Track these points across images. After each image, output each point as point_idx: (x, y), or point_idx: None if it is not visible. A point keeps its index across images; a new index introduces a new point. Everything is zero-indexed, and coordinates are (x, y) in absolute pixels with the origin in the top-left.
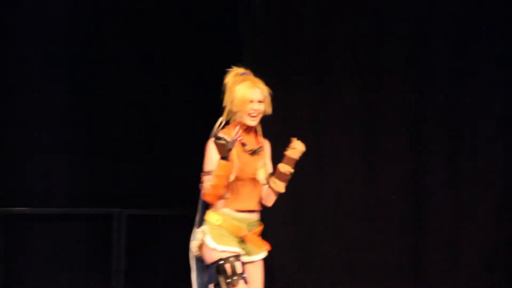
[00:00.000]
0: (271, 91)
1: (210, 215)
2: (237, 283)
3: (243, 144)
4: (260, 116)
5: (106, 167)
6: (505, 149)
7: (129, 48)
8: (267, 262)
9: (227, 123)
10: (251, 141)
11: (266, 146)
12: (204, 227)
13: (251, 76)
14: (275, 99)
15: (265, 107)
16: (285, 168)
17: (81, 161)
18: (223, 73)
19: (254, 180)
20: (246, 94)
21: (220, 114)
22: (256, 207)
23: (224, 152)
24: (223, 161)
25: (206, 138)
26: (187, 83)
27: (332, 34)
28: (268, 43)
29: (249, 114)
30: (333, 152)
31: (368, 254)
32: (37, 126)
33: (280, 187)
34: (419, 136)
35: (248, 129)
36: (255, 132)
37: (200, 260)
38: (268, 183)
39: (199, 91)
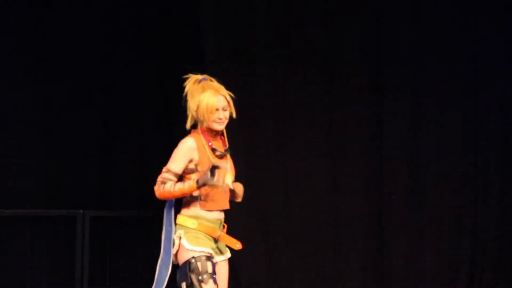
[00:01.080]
0: (233, 95)
1: (184, 220)
2: (208, 281)
3: (213, 150)
4: (226, 121)
5: (68, 168)
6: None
7: (89, 45)
8: (232, 263)
9: (194, 126)
10: (219, 145)
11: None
12: (179, 231)
13: (211, 83)
14: (239, 102)
15: (230, 112)
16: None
17: (44, 162)
18: (184, 72)
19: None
20: (212, 103)
21: (181, 119)
22: (227, 206)
23: (207, 181)
24: (195, 187)
25: (170, 139)
26: (149, 82)
27: (295, 34)
28: (230, 44)
29: (216, 122)
30: (298, 155)
31: (334, 259)
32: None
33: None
34: (381, 138)
35: (215, 133)
36: (221, 135)
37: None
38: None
39: (162, 91)
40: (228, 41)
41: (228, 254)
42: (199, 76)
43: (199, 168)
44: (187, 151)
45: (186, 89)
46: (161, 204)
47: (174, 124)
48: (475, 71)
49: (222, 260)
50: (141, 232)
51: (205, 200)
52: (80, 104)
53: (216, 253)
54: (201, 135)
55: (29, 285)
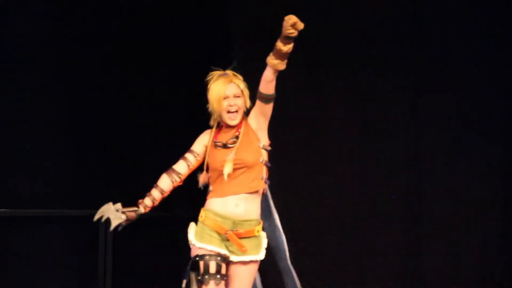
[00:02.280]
0: (247, 85)
1: (201, 212)
2: (208, 283)
3: (215, 143)
4: (241, 112)
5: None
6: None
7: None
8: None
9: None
10: (228, 136)
11: (250, 118)
12: (192, 223)
13: (231, 77)
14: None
15: (243, 102)
16: (281, 46)
17: (65, 162)
18: (201, 70)
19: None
20: (220, 90)
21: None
22: (239, 191)
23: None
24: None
25: (184, 139)
26: (175, 87)
27: (323, 32)
28: (256, 35)
29: (226, 111)
30: (328, 151)
31: (364, 256)
32: (15, 127)
33: (275, 63)
34: (414, 132)
35: (230, 126)
36: (238, 127)
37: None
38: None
39: (188, 95)
40: (255, 41)
41: (252, 256)
42: (221, 72)
43: (207, 160)
44: (200, 138)
45: (208, 87)
46: (184, 204)
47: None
48: None
49: (241, 261)
50: (164, 232)
51: (212, 190)
52: (97, 102)
53: (231, 252)
54: (214, 129)
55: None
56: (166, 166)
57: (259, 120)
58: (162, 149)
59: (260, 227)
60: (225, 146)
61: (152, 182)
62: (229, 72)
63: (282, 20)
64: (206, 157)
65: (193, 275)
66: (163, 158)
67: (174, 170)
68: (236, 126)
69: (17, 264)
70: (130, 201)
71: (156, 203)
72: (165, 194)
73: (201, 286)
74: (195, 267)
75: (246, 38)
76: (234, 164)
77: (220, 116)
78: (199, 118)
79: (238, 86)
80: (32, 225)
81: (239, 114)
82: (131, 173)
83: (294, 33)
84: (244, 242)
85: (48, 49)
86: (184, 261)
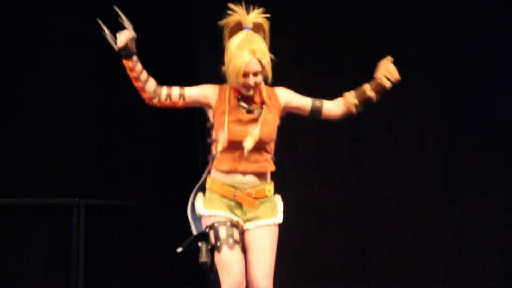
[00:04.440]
0: (273, 57)
1: (207, 180)
2: (220, 249)
3: (239, 101)
4: (258, 86)
5: (64, 155)
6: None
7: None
8: None
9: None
10: (251, 101)
11: (281, 95)
12: (200, 193)
13: (252, 36)
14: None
15: (264, 75)
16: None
17: (39, 150)
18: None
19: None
20: (240, 66)
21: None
22: (249, 169)
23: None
24: (124, 60)
25: (165, 128)
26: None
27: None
28: None
29: (243, 86)
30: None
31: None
32: None
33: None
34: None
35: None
36: (260, 93)
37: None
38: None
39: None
40: None
41: (268, 220)
42: (244, 21)
43: (212, 121)
44: (205, 87)
45: (224, 33)
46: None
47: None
48: None
49: (257, 226)
50: (134, 220)
51: (217, 157)
52: (77, 90)
53: (246, 221)
54: (229, 88)
55: (24, 277)
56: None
57: (292, 108)
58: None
59: (271, 186)
60: (249, 111)
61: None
62: (253, 25)
63: None
64: (221, 117)
65: (203, 246)
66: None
67: (159, 87)
68: (259, 93)
69: None
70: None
71: (136, 70)
72: (140, 76)
73: (213, 257)
74: (204, 238)
75: None
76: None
77: (235, 85)
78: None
79: (260, 61)
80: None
81: (255, 88)
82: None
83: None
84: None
85: None
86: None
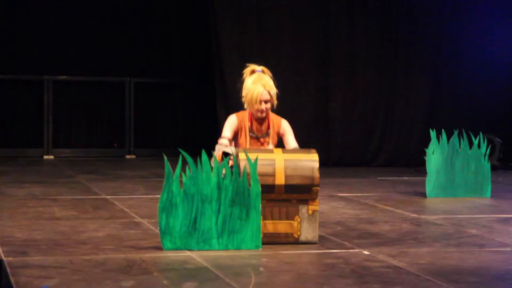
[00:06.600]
0: (277, 91)
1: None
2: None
3: (250, 130)
4: (268, 111)
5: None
6: None
7: None
8: None
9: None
10: (261, 128)
11: (282, 125)
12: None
13: (262, 76)
14: None
15: (272, 103)
16: None
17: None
18: None
19: None
20: (256, 96)
21: None
22: None
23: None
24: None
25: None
26: None
27: None
28: None
29: (257, 111)
30: None
31: None
32: None
33: None
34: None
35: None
36: (268, 120)
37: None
38: None
39: None
40: None
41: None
42: (256, 67)
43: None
44: (232, 123)
45: (243, 76)
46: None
47: None
48: None
49: None
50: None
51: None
52: None
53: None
54: (247, 115)
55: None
56: None
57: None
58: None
59: None
60: (257, 138)
61: None
62: (263, 68)
63: None
64: (241, 137)
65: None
66: None
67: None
68: (267, 120)
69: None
70: None
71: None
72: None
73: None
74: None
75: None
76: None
77: (251, 109)
78: None
79: (269, 92)
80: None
81: (266, 112)
82: None
83: None
84: None
85: None
86: None
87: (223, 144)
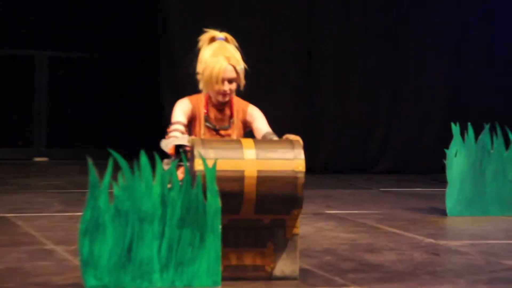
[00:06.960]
0: (246, 66)
1: None
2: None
3: (206, 119)
4: (232, 93)
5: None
6: None
7: None
8: None
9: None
10: (222, 116)
11: (249, 110)
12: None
13: (226, 45)
14: None
15: (238, 83)
16: None
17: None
18: None
19: None
20: (217, 72)
21: None
22: None
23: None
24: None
25: None
26: None
27: None
28: None
29: (218, 93)
30: None
31: None
32: None
33: None
34: None
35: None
36: (231, 105)
37: None
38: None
39: None
40: None
41: None
42: (217, 34)
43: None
44: (184, 107)
45: (199, 45)
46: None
47: None
48: None
49: None
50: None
51: None
52: None
53: None
54: (203, 99)
55: None
56: None
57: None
58: None
59: None
60: (216, 130)
61: None
62: (226, 35)
63: None
64: (195, 128)
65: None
66: None
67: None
68: (230, 106)
69: None
70: None
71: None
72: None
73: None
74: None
75: None
76: None
77: (210, 92)
78: None
79: (235, 68)
80: None
81: (230, 95)
82: None
83: None
84: None
85: None
86: None
87: (177, 131)
